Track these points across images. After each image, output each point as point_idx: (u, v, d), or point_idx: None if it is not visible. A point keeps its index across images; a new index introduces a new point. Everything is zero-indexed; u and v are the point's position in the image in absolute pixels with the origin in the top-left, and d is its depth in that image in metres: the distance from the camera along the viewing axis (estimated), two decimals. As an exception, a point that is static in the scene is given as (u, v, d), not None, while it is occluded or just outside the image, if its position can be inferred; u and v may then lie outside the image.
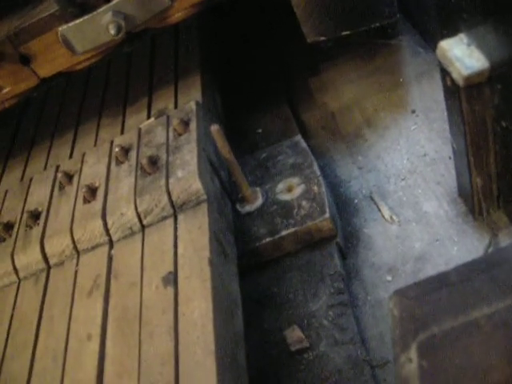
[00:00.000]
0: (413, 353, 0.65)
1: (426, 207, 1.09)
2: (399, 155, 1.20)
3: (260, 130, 1.33)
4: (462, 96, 0.88)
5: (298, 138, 1.20)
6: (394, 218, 1.10)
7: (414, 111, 1.26)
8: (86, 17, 0.99)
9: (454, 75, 0.86)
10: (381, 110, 1.31)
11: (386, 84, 1.35)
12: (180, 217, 0.99)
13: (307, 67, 1.48)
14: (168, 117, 1.13)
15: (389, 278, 1.02)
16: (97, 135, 1.24)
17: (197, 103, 1.13)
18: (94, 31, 1.00)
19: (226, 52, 1.53)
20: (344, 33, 1.11)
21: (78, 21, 0.99)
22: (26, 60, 1.05)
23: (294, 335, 0.96)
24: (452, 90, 0.90)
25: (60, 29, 1.00)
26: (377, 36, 1.33)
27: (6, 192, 1.20)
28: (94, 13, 0.98)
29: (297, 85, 1.47)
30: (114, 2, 0.98)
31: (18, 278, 1.07)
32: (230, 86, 1.44)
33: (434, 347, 0.64)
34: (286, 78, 1.48)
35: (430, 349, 0.64)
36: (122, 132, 1.21)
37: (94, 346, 0.90)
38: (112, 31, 0.97)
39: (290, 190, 1.10)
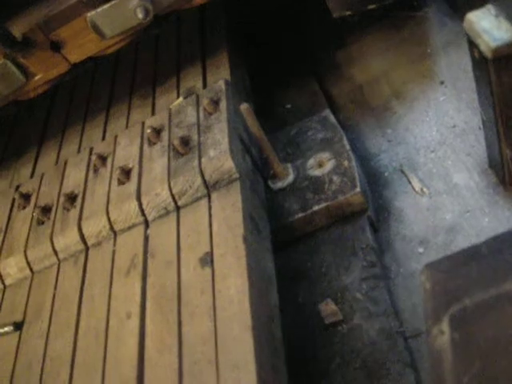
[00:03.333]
0: (445, 325, 0.67)
1: (456, 179, 1.10)
2: (428, 127, 1.20)
3: (289, 106, 1.34)
4: (490, 68, 0.88)
5: (327, 112, 1.20)
6: (425, 190, 1.11)
7: (442, 82, 1.26)
8: (113, 2, 1.00)
9: (482, 47, 0.86)
10: (409, 82, 1.30)
11: (413, 55, 1.34)
12: (213, 195, 1.01)
13: (334, 40, 1.48)
14: (197, 96, 1.14)
15: (420, 250, 1.03)
16: (128, 116, 1.26)
17: (226, 82, 1.14)
18: (122, 15, 1.02)
19: (252, 29, 1.53)
20: (370, 7, 1.11)
21: (105, 6, 1.01)
22: (56, 47, 1.07)
23: (328, 308, 0.97)
24: (480, 62, 0.90)
25: (88, 15, 1.02)
26: (402, 8, 1.32)
27: (42, 176, 1.23)
28: (122, -3, 1.00)
29: (324, 58, 1.47)
30: (140, -14, 0.99)
31: (58, 260, 1.10)
32: (257, 62, 1.45)
33: (466, 319, 0.65)
34: (312, 52, 1.48)
35: (462, 321, 0.66)
36: (153, 113, 1.23)
37: (134, 323, 0.93)
38: (140, 15, 0.99)
39: (320, 165, 1.11)
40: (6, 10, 1.06)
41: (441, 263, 0.73)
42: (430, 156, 1.15)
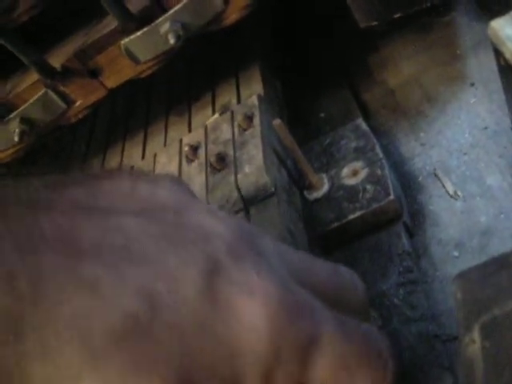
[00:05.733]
0: (476, 334, 0.69)
1: (489, 181, 1.11)
2: (460, 129, 1.22)
3: (322, 114, 1.36)
4: (515, 75, 0.89)
5: (359, 121, 1.22)
6: (459, 193, 1.12)
7: (472, 84, 1.27)
8: (145, 29, 1.04)
9: (507, 55, 0.88)
10: (440, 85, 1.31)
11: (443, 57, 1.36)
12: (252, 210, 1.04)
13: (364, 45, 1.49)
14: (232, 112, 1.18)
15: (456, 254, 1.05)
16: (166, 134, 1.31)
17: (259, 97, 1.17)
18: (154, 41, 1.06)
19: (282, 37, 1.56)
20: (395, 15, 1.13)
21: (138, 33, 1.05)
22: (93, 74, 1.11)
23: (367, 315, 1.00)
24: (506, 69, 0.91)
25: (122, 42, 1.06)
26: (429, 15, 1.34)
27: (87, 195, 1.27)
28: (153, 24, 1.04)
29: (355, 63, 1.49)
30: (170, 13, 1.03)
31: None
32: (289, 69, 1.47)
33: (496, 329, 0.68)
34: (343, 57, 1.50)
35: (492, 330, 0.68)
36: (190, 129, 1.27)
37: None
38: (171, 40, 1.02)
39: (354, 174, 1.13)
40: (44, 43, 1.11)
41: (471, 272, 0.75)
42: (463, 159, 1.17)
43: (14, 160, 1.30)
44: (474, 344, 0.69)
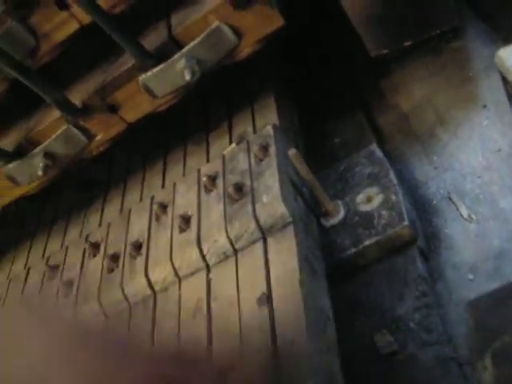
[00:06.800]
0: (487, 361, 0.71)
1: (502, 203, 1.12)
2: (473, 152, 1.23)
3: (338, 140, 1.39)
4: (522, 103, 0.91)
5: (374, 147, 1.25)
6: (473, 216, 1.14)
7: (485, 106, 1.29)
8: (161, 65, 1.08)
9: (513, 85, 0.90)
10: (452, 107, 1.33)
11: (455, 80, 1.37)
12: (269, 240, 1.07)
13: (377, 69, 1.51)
14: (248, 142, 1.21)
15: (471, 277, 1.06)
16: (184, 164, 1.34)
17: (274, 126, 1.20)
18: (171, 77, 1.10)
19: (296, 63, 1.58)
20: (406, 44, 1.16)
21: (155, 70, 1.09)
22: (113, 109, 1.15)
23: (384, 339, 1.02)
24: (512, 97, 0.94)
25: (140, 78, 1.10)
26: (440, 40, 1.35)
27: (109, 225, 1.31)
28: (169, 61, 1.07)
29: (368, 87, 1.51)
30: (185, 49, 1.07)
31: (129, 304, 1.18)
32: (303, 97, 1.50)
33: (507, 355, 0.70)
34: (356, 81, 1.52)
35: (503, 358, 0.70)
36: (208, 159, 1.31)
37: (202, 366, 1.00)
38: (187, 77, 1.06)
39: (369, 200, 1.16)
40: (64, 81, 1.15)
41: (482, 301, 0.77)
42: (477, 182, 1.19)
43: (39, 191, 1.35)
44: (485, 371, 0.71)
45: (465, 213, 1.15)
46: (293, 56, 1.59)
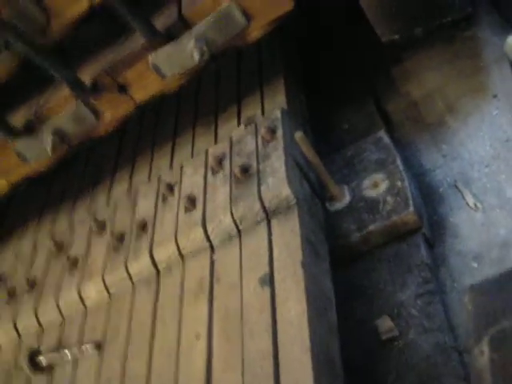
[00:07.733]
0: (485, 346, 0.71)
1: (509, 193, 1.12)
2: (482, 141, 1.23)
3: (346, 126, 1.38)
4: (530, 90, 0.91)
5: (381, 133, 1.24)
6: (479, 205, 1.13)
7: (495, 95, 1.28)
8: (171, 44, 1.08)
9: (523, 72, 0.89)
10: (462, 96, 1.33)
11: (466, 69, 1.36)
12: (273, 221, 1.07)
13: (389, 57, 1.50)
14: (256, 125, 1.21)
15: (475, 265, 1.06)
16: (193, 145, 1.34)
17: (282, 110, 1.20)
18: (180, 57, 1.10)
19: (307, 50, 1.58)
20: (416, 30, 1.15)
21: (164, 48, 1.09)
22: (122, 88, 1.15)
23: (385, 325, 1.02)
24: (522, 84, 0.93)
25: (150, 57, 1.10)
26: (451, 29, 1.35)
27: (116, 204, 1.32)
28: (178, 40, 1.07)
29: (379, 75, 1.50)
30: (194, 29, 1.06)
31: (133, 283, 1.19)
32: (313, 83, 1.50)
33: (504, 341, 0.70)
34: (368, 68, 1.51)
35: (500, 342, 0.70)
36: (216, 140, 1.31)
37: (202, 344, 1.00)
38: (196, 57, 1.06)
39: (375, 186, 1.15)
40: (74, 59, 1.16)
41: (482, 286, 0.77)
42: (484, 171, 1.18)
43: (47, 170, 1.35)
44: (482, 356, 0.71)
45: (471, 201, 1.15)
46: (304, 43, 1.58)
